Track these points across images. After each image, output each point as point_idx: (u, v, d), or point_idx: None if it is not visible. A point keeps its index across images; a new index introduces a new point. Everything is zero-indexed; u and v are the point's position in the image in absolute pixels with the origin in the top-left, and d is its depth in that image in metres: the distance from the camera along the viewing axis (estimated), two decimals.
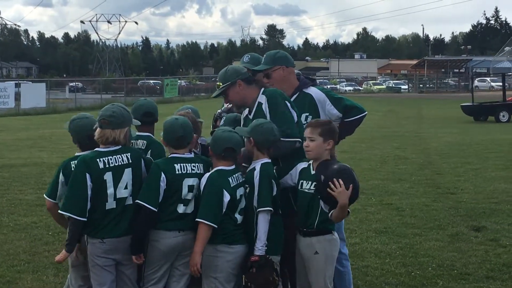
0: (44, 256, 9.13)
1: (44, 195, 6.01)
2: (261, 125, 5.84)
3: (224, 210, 5.63)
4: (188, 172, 5.68)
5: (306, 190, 5.80)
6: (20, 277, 8.22)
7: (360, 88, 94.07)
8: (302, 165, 5.95)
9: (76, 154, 5.91)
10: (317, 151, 5.79)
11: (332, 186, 5.51)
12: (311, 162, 5.90)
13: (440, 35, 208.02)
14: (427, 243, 9.84)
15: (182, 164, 5.68)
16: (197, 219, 5.56)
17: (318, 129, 5.79)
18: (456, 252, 9.34)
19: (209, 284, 5.68)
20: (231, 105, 7.23)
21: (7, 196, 13.52)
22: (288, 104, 6.17)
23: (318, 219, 5.74)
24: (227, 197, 5.62)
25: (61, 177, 5.81)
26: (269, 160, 5.88)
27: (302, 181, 5.87)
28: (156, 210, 5.54)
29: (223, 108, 7.33)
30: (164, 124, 5.81)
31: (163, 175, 5.58)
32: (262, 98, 6.18)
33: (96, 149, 5.63)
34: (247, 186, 5.81)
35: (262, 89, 6.26)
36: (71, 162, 5.81)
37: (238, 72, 6.24)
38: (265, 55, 6.73)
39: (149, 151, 6.21)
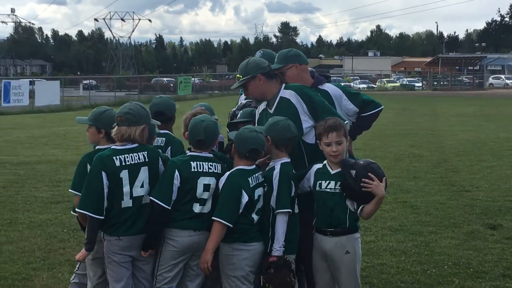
0: (60, 253, 9.15)
1: (72, 190, 5.87)
2: (277, 123, 5.82)
3: (241, 210, 5.60)
4: (204, 170, 5.64)
5: (329, 190, 5.75)
6: (36, 274, 8.24)
7: (374, 85, 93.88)
8: (317, 166, 5.92)
9: (98, 147, 5.89)
10: (343, 153, 5.79)
11: (367, 181, 5.55)
12: (325, 162, 5.88)
13: (454, 32, 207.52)
14: (442, 241, 9.80)
15: (198, 163, 5.65)
16: (213, 217, 5.54)
17: (342, 131, 5.77)
18: (472, 250, 9.29)
19: (229, 283, 5.67)
20: (245, 101, 7.23)
21: (22, 194, 13.57)
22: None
23: (349, 217, 5.73)
24: (245, 197, 5.58)
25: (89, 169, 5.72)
26: (289, 160, 5.85)
27: (320, 181, 5.82)
28: (169, 208, 5.53)
29: (237, 105, 7.32)
30: (190, 122, 5.82)
31: (177, 172, 5.56)
32: (286, 93, 6.17)
33: (113, 146, 5.62)
34: (265, 185, 5.78)
35: (284, 84, 6.24)
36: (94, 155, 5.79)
37: (259, 66, 6.21)
38: (277, 54, 6.74)
39: (169, 148, 6.27)
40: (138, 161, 5.59)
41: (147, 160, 5.64)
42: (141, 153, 5.62)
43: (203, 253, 5.56)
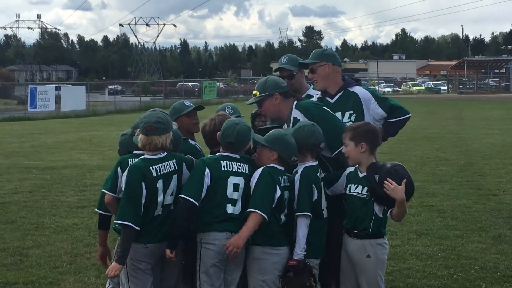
0: (86, 257, 9.20)
1: (103, 190, 5.91)
2: (302, 128, 5.85)
3: (274, 205, 5.58)
4: (234, 170, 5.64)
5: (356, 194, 5.77)
6: (62, 279, 8.29)
7: (399, 89, 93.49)
8: (349, 169, 5.94)
9: (135, 152, 5.84)
10: (353, 156, 5.80)
11: (386, 184, 5.55)
12: (356, 165, 5.89)
13: (480, 35, 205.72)
14: (469, 245, 9.73)
15: (228, 162, 5.65)
16: (249, 209, 5.50)
17: (348, 134, 5.81)
18: (499, 254, 9.22)
19: (257, 287, 5.64)
20: None
21: (48, 198, 13.67)
22: (326, 108, 6.24)
23: (373, 224, 5.73)
24: (278, 192, 5.59)
25: (119, 171, 5.74)
26: (314, 163, 5.86)
27: (350, 184, 5.85)
28: (197, 204, 5.47)
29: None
30: (224, 123, 5.82)
31: (207, 170, 5.55)
32: (296, 113, 6.20)
33: (145, 156, 5.58)
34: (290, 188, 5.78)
35: (295, 102, 6.26)
36: (129, 159, 5.76)
37: (278, 85, 6.25)
38: (313, 52, 6.77)
39: None
40: (170, 170, 5.61)
41: (176, 168, 5.66)
42: (171, 161, 5.64)
43: (236, 238, 5.45)
